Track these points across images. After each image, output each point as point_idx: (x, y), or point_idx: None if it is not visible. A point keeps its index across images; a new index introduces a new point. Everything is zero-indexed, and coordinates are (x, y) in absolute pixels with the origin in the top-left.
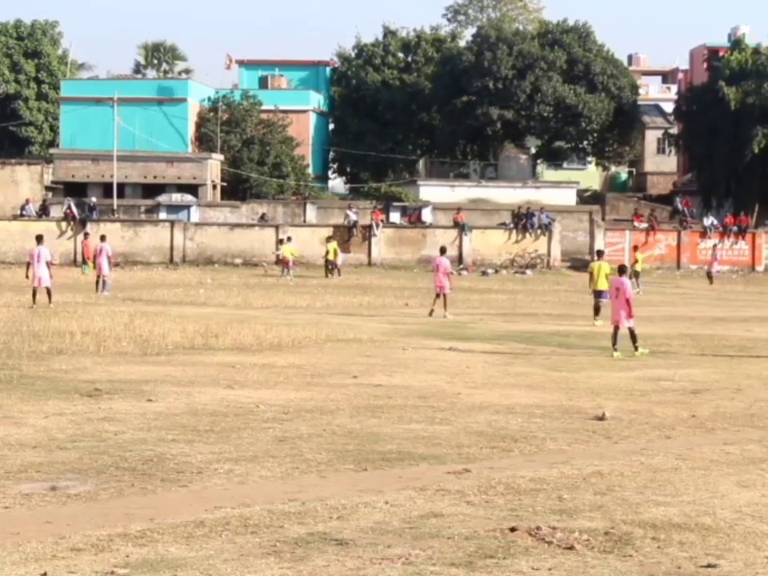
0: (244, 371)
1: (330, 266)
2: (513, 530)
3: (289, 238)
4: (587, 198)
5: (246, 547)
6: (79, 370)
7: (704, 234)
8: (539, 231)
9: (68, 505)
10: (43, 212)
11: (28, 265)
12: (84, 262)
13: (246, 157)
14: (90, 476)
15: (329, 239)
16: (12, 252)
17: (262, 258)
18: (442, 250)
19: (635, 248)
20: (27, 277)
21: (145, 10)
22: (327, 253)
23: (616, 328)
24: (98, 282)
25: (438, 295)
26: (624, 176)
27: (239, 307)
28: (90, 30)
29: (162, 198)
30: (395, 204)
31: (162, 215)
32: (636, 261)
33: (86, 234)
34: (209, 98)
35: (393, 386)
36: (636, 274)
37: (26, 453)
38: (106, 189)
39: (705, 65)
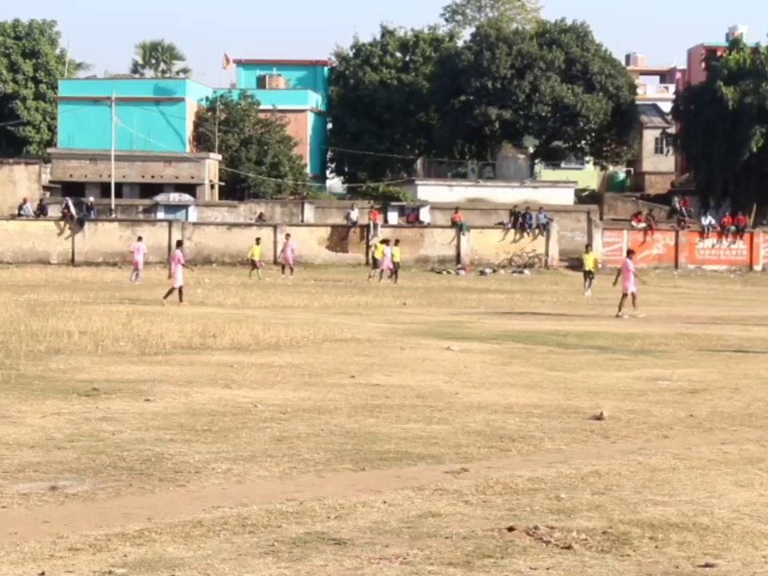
0: (242, 371)
1: (376, 266)
2: (511, 529)
3: (392, 241)
4: (585, 197)
5: (244, 547)
6: (77, 370)
7: (702, 233)
8: (537, 231)
9: (66, 504)
10: (41, 212)
11: (181, 265)
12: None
13: (244, 156)
14: (87, 476)
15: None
16: (10, 252)
17: (261, 257)
18: (629, 253)
19: (587, 247)
20: (169, 277)
21: (143, 9)
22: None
23: None
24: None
25: (624, 295)
26: (622, 176)
27: (237, 307)
28: (87, 30)
29: (160, 198)
30: (393, 204)
31: (160, 215)
32: (596, 261)
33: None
34: (207, 98)
35: (391, 385)
36: (589, 275)
37: (24, 452)
38: (104, 188)
39: (703, 64)
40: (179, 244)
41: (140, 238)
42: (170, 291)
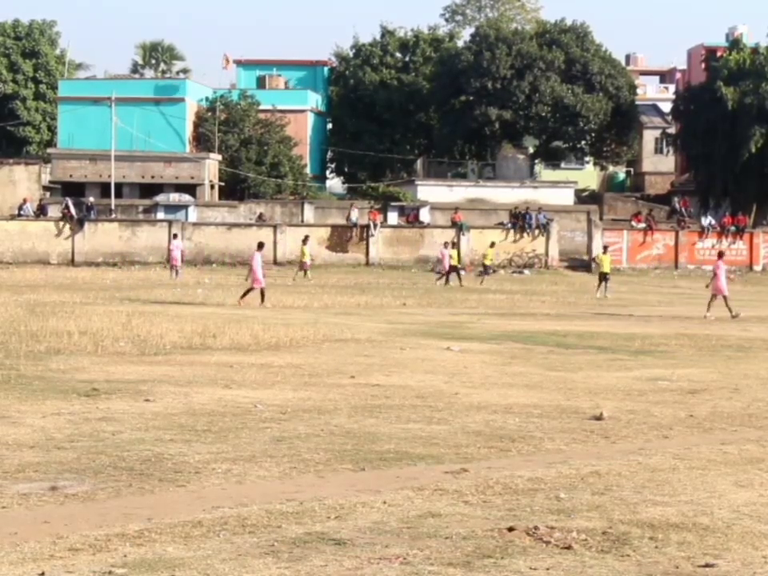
0: (242, 371)
1: (487, 271)
2: (510, 529)
3: (453, 244)
4: (585, 197)
5: (244, 547)
6: (77, 370)
7: (702, 233)
8: (537, 231)
9: (66, 505)
10: (41, 212)
11: (250, 268)
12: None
13: (244, 157)
14: (87, 476)
15: (446, 244)
16: (9, 252)
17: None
18: (720, 254)
19: (605, 248)
20: (246, 280)
21: (143, 9)
22: (484, 257)
23: None
24: (172, 269)
25: (713, 296)
26: (622, 176)
27: (237, 307)
28: (87, 30)
29: (160, 198)
30: (393, 204)
31: (160, 215)
32: (611, 262)
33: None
34: (206, 98)
35: (390, 385)
36: (604, 277)
37: (24, 453)
38: (104, 188)
39: (703, 65)
40: (260, 246)
41: (175, 236)
42: (262, 293)
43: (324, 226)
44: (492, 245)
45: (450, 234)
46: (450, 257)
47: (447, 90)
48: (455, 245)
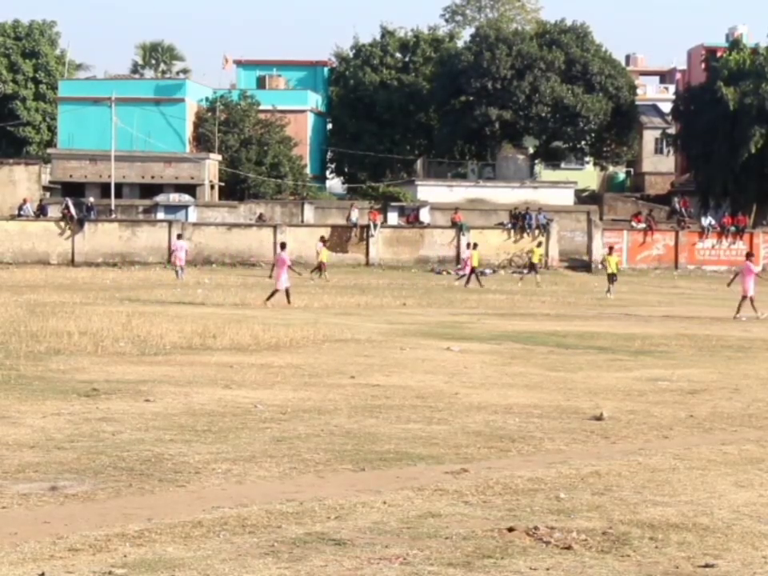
0: (242, 371)
1: (534, 269)
2: (510, 530)
3: (475, 245)
4: (585, 198)
5: (244, 547)
6: (77, 370)
7: (702, 234)
8: (537, 231)
9: (66, 505)
10: (41, 212)
11: (273, 266)
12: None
13: (244, 157)
14: (87, 476)
15: (539, 244)
16: (9, 252)
17: (260, 258)
18: (748, 255)
19: (610, 249)
20: (270, 277)
21: (143, 10)
22: (531, 255)
23: None
24: (178, 269)
25: (744, 298)
26: (622, 176)
27: (237, 307)
28: (87, 30)
29: (160, 198)
30: (393, 204)
31: (160, 215)
32: (617, 263)
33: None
34: (206, 98)
35: (390, 386)
36: (612, 277)
37: (24, 453)
38: (104, 189)
39: (703, 65)
40: (283, 246)
41: (179, 236)
42: (273, 293)
43: (324, 226)
44: (539, 244)
45: (451, 235)
46: (470, 257)
47: (447, 90)
48: (476, 245)
